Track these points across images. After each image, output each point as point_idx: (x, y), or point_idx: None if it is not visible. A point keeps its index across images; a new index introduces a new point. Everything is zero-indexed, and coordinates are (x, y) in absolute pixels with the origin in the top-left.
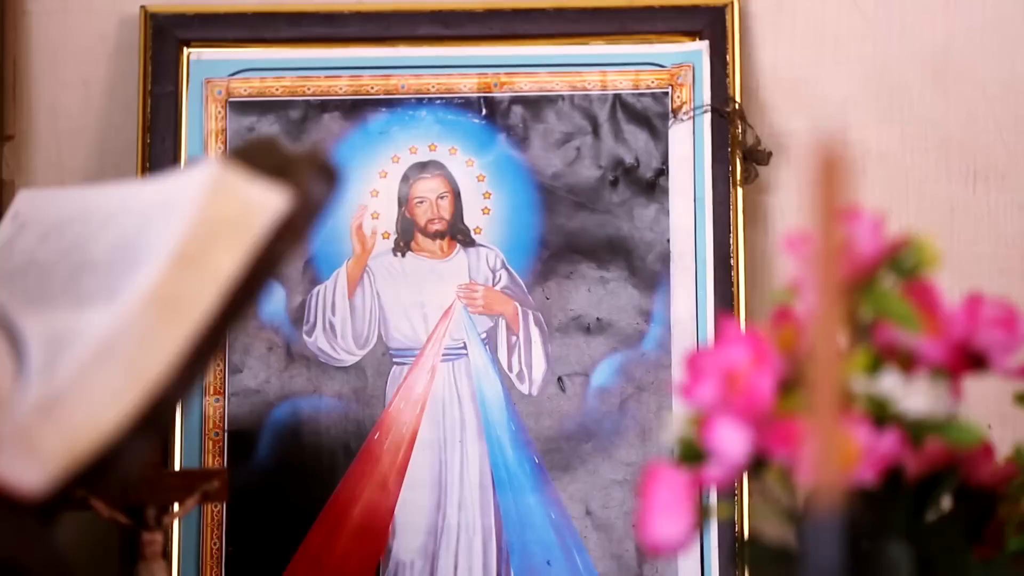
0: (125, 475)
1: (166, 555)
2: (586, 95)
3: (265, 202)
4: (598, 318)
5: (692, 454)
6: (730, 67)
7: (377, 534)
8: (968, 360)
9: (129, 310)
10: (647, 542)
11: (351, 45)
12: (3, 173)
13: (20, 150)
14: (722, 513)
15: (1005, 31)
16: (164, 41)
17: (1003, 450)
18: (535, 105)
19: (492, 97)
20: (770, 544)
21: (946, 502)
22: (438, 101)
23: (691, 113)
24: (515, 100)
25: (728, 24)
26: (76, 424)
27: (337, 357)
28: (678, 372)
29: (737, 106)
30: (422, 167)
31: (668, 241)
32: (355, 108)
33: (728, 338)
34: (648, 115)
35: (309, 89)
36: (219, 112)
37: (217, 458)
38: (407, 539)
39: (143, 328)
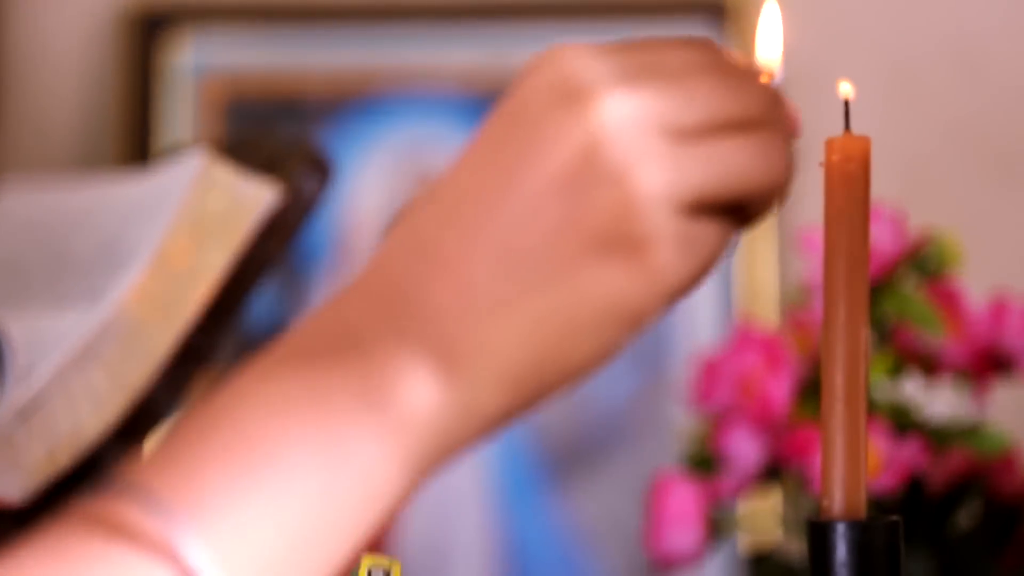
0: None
1: None
2: None
3: (254, 198)
4: None
5: (703, 462)
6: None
7: (377, 534)
8: (993, 364)
9: (112, 311)
10: (656, 553)
11: (350, 44)
12: None
13: (7, 147)
14: (733, 523)
15: None
16: (159, 38)
17: None
18: None
19: (493, 97)
20: (783, 557)
21: (970, 514)
22: (438, 100)
23: None
24: None
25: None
26: (57, 430)
27: None
28: (688, 376)
29: None
30: (421, 167)
31: None
32: (353, 106)
33: (742, 342)
34: None
35: (306, 87)
36: (214, 110)
37: None
38: (408, 542)
39: (126, 330)
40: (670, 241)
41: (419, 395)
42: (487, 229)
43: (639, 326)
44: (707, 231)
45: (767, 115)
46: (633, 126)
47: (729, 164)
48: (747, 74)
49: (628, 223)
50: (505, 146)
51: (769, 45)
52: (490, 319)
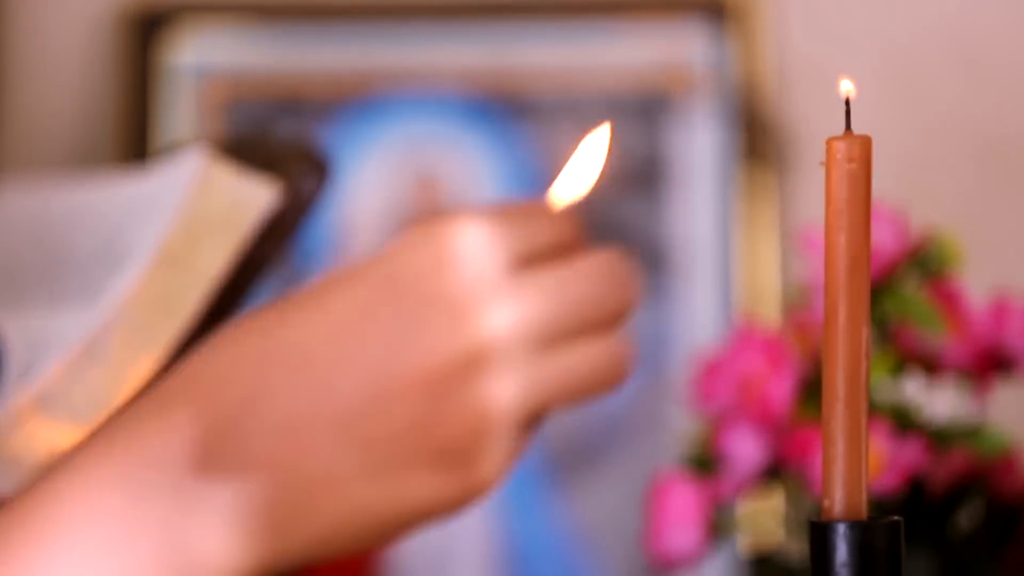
0: None
1: None
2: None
3: (253, 198)
4: None
5: (703, 462)
6: (742, 58)
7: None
8: (994, 364)
9: (111, 311)
10: (656, 554)
11: (350, 44)
12: None
13: (7, 147)
14: (734, 524)
15: None
16: (158, 38)
17: None
18: (537, 103)
19: (494, 96)
20: (784, 557)
21: (970, 514)
22: (438, 100)
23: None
24: (517, 99)
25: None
26: (56, 431)
27: None
28: (688, 376)
29: (743, 105)
30: (422, 166)
31: (672, 239)
32: (353, 106)
33: (743, 342)
34: (651, 112)
35: (306, 87)
36: (214, 110)
37: None
38: (407, 545)
39: (126, 331)
40: (501, 458)
41: (221, 549)
42: (344, 402)
43: (436, 524)
44: (527, 435)
45: (622, 313)
46: (510, 341)
47: (583, 373)
48: (612, 264)
49: (474, 442)
50: (379, 320)
51: (586, 168)
52: (318, 493)
